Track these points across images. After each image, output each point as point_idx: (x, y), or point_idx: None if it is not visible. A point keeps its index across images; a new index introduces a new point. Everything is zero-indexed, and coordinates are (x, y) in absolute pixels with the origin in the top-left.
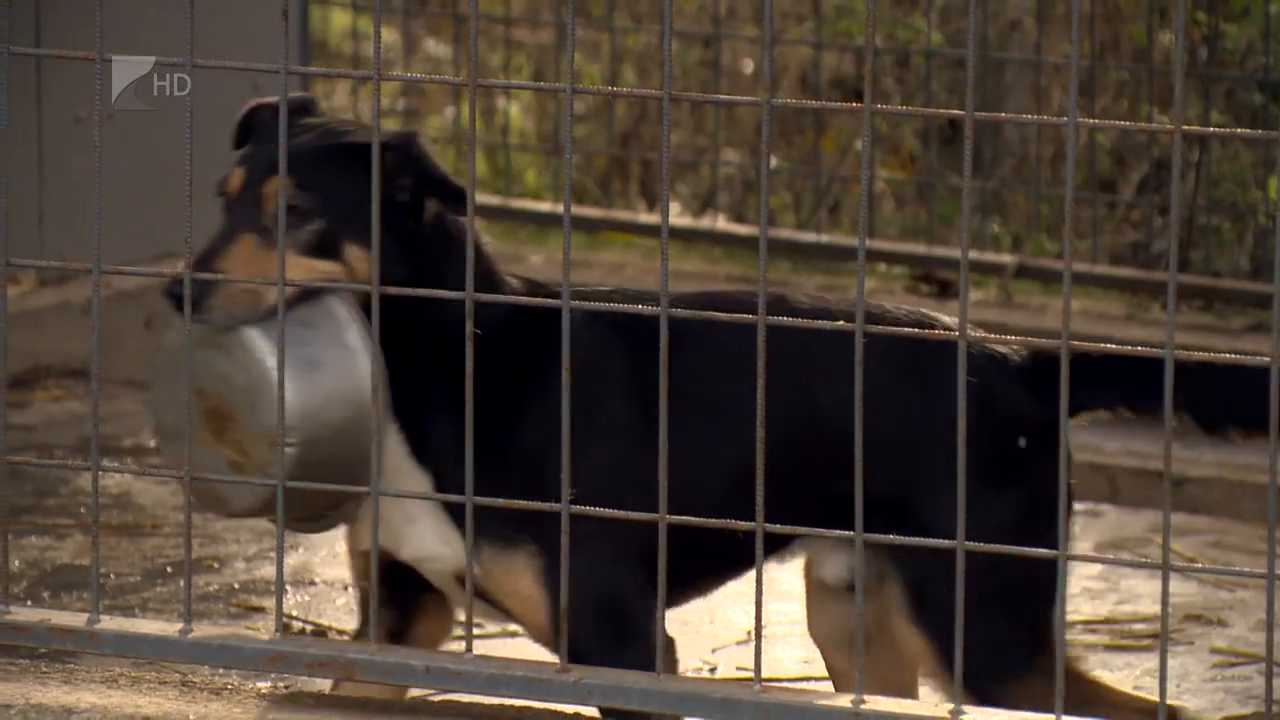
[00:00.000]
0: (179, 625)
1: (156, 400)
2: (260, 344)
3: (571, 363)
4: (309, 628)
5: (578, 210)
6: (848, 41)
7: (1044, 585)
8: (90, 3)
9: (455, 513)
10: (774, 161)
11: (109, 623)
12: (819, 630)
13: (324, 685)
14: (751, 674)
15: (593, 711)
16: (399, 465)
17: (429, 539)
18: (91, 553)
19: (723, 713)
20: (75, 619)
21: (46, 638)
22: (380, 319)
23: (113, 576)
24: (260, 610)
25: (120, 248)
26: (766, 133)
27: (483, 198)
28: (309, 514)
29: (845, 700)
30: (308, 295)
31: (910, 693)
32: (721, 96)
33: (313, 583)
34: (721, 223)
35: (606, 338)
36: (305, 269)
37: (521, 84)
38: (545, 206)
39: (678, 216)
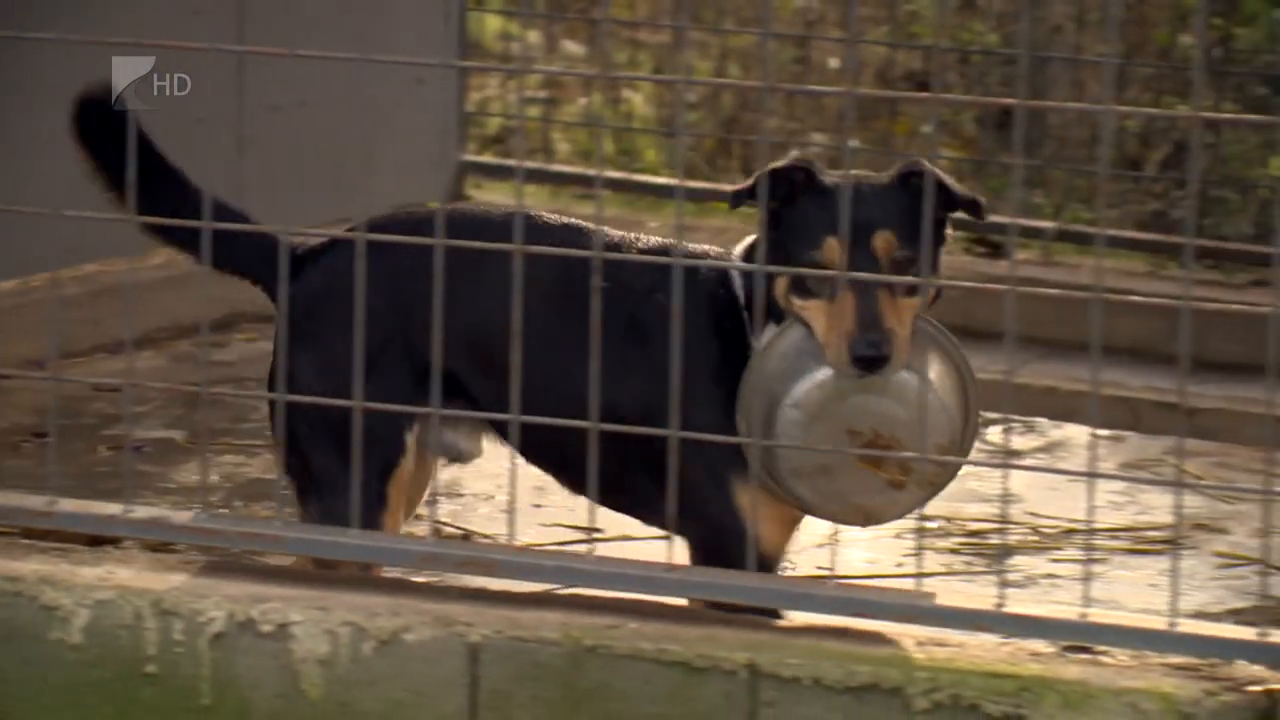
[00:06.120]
0: (353, 531)
1: (796, 440)
2: (914, 381)
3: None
4: (458, 532)
5: (689, 184)
6: (917, 41)
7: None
8: (282, 4)
9: None
10: (854, 142)
11: (286, 529)
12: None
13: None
14: (827, 572)
15: None
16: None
17: None
18: (277, 469)
19: (803, 604)
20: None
21: (237, 540)
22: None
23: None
24: (419, 518)
25: (304, 213)
26: (848, 119)
27: (611, 173)
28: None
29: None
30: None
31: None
32: (811, 87)
33: (461, 494)
34: None
35: None
36: (911, 310)
37: (643, 76)
38: (662, 180)
39: None
